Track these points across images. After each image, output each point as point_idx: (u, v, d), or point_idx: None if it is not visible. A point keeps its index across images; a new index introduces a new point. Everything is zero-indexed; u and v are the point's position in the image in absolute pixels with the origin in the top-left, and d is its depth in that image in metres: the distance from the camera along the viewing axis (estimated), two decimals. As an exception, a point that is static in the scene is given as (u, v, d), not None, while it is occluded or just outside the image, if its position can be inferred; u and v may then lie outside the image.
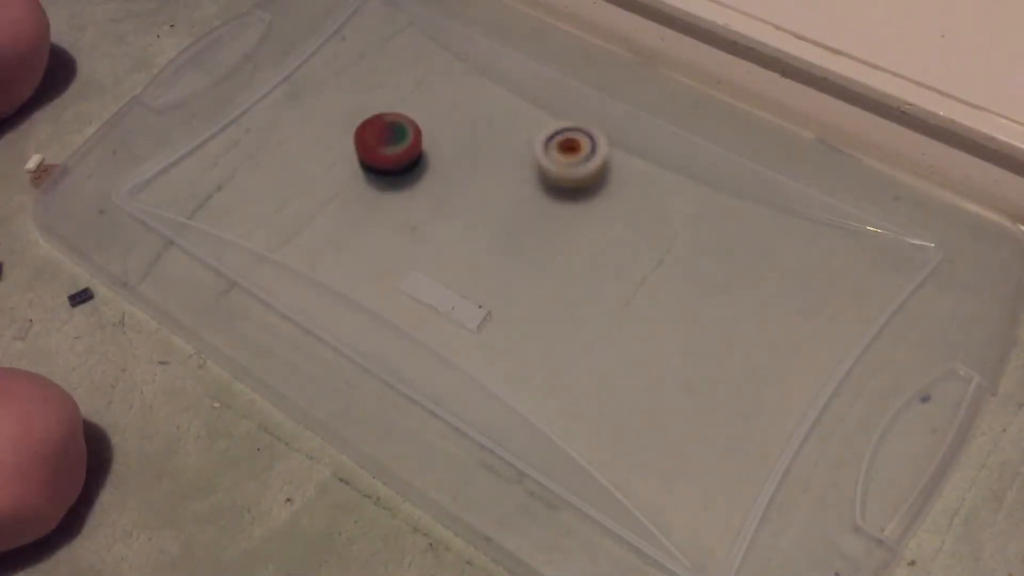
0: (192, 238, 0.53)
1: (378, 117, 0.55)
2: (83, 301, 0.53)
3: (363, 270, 0.52)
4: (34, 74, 0.60)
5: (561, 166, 0.53)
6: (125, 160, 0.57)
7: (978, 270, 0.51)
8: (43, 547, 0.45)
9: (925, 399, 0.46)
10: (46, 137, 0.60)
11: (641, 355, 0.49)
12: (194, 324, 0.51)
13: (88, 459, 0.46)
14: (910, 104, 0.53)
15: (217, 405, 0.49)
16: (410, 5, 0.64)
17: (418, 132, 0.55)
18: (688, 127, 0.56)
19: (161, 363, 0.51)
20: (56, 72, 0.63)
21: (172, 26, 0.66)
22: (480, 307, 0.50)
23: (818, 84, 0.55)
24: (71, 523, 0.46)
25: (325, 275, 0.52)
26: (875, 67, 0.54)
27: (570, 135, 0.54)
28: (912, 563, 0.43)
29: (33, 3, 0.59)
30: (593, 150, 0.54)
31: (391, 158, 0.54)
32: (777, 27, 0.56)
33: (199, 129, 0.58)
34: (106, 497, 0.47)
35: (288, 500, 0.46)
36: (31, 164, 0.58)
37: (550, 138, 0.54)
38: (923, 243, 0.51)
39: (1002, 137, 0.51)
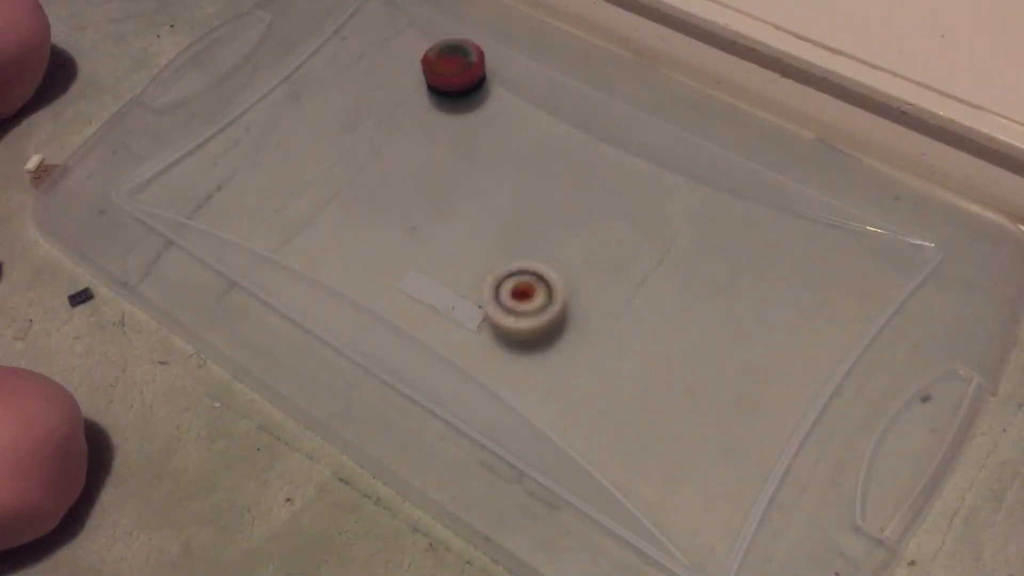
0: (192, 238, 0.53)
1: (441, 43, 0.58)
2: (83, 301, 0.53)
3: (363, 270, 0.52)
4: (34, 75, 0.60)
5: (512, 317, 0.47)
6: (125, 160, 0.57)
7: (978, 270, 0.51)
8: (43, 547, 0.45)
9: (925, 399, 0.46)
10: (46, 137, 0.60)
11: (641, 355, 0.49)
12: (194, 324, 0.51)
13: (88, 459, 0.46)
14: (910, 104, 0.53)
15: (217, 405, 0.49)
16: (410, 5, 0.64)
17: (481, 55, 0.58)
18: (688, 127, 0.56)
19: (161, 363, 0.51)
20: (56, 72, 0.63)
21: (172, 26, 0.66)
22: (480, 307, 0.50)
23: (818, 84, 0.55)
24: (71, 523, 0.46)
25: (325, 275, 0.52)
26: (875, 67, 0.54)
27: (522, 280, 0.48)
28: (912, 563, 0.43)
29: (33, 3, 0.59)
30: (550, 296, 0.48)
31: (455, 80, 0.57)
32: (777, 27, 0.56)
33: (199, 129, 0.58)
34: (106, 497, 0.47)
35: (288, 500, 0.46)
36: (31, 164, 0.58)
37: (500, 283, 0.48)
38: (923, 243, 0.51)
39: (1002, 137, 0.51)
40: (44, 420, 0.43)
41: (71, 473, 0.45)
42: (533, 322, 0.47)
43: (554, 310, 0.48)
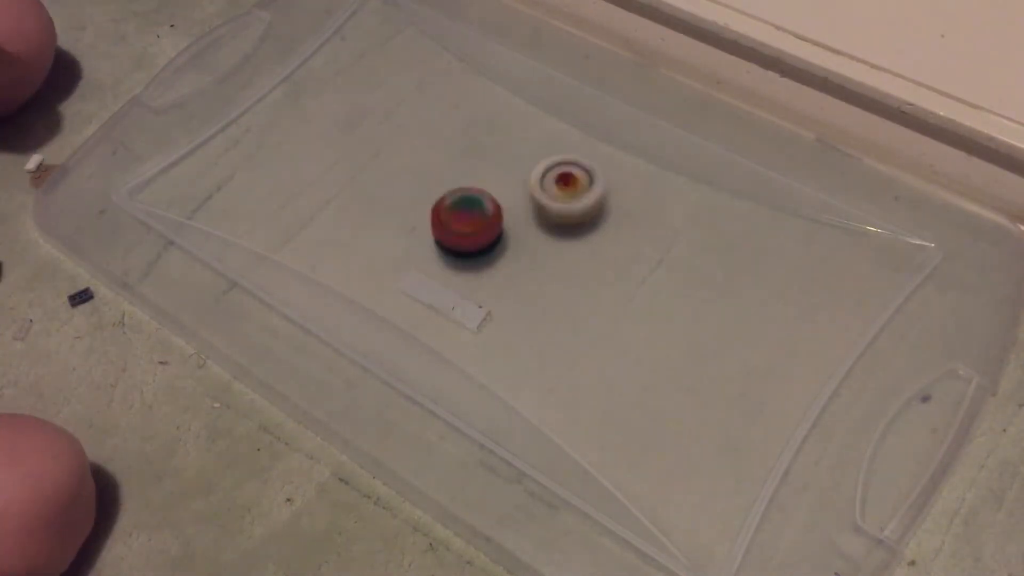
0: (192, 238, 0.53)
1: (455, 192, 0.52)
2: (83, 301, 0.53)
3: (363, 270, 0.52)
4: (38, 74, 0.60)
5: (559, 201, 0.51)
6: (125, 160, 0.57)
7: (978, 270, 0.51)
8: (43, 547, 0.45)
9: (925, 399, 0.46)
10: (46, 137, 0.60)
11: (641, 355, 0.49)
12: (194, 324, 0.51)
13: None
14: (910, 104, 0.53)
15: (217, 405, 0.49)
16: (410, 5, 0.64)
17: (497, 208, 0.51)
18: (688, 127, 0.56)
19: (161, 363, 0.51)
20: (57, 72, 0.63)
21: (172, 26, 0.66)
22: (480, 307, 0.50)
23: (818, 84, 0.55)
24: (71, 523, 0.46)
25: (325, 275, 0.52)
26: (875, 67, 0.54)
27: (566, 169, 0.52)
28: (912, 563, 0.43)
29: (38, 5, 0.59)
30: (591, 184, 0.52)
31: (469, 239, 0.51)
32: (777, 27, 0.56)
33: (199, 129, 0.58)
34: (106, 497, 0.47)
35: (288, 500, 0.46)
36: (31, 164, 0.58)
37: (545, 173, 0.52)
38: (923, 243, 0.51)
39: (1002, 137, 0.51)
40: (51, 479, 0.41)
41: (79, 522, 0.44)
42: (583, 203, 0.51)
43: (598, 191, 0.51)
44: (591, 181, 0.52)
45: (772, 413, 0.46)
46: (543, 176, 0.52)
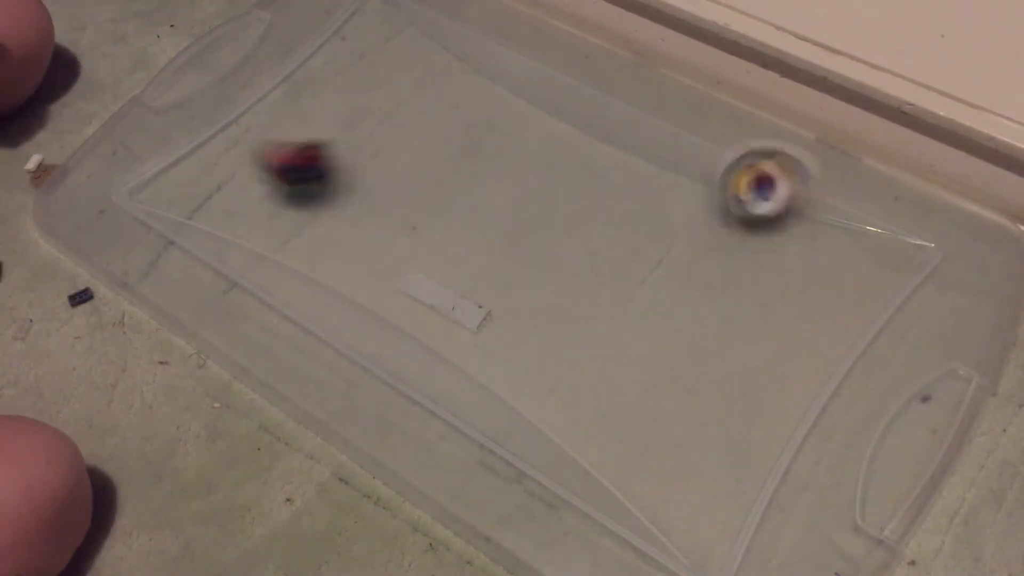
0: (192, 238, 0.53)
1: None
2: (83, 301, 0.53)
3: (363, 270, 0.52)
4: (37, 73, 0.60)
5: (749, 202, 0.50)
6: (125, 160, 0.57)
7: (978, 270, 0.51)
8: (43, 547, 0.45)
9: (925, 399, 0.46)
10: (46, 137, 0.60)
11: (641, 355, 0.49)
12: (194, 324, 0.51)
13: (87, 459, 0.46)
14: (910, 104, 0.53)
15: (217, 405, 0.49)
16: (410, 5, 0.64)
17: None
18: (688, 127, 0.56)
19: (161, 363, 0.51)
20: (56, 72, 0.63)
21: (172, 26, 0.66)
22: (480, 307, 0.50)
23: (818, 84, 0.55)
24: (71, 523, 0.46)
25: (325, 275, 0.52)
26: (875, 67, 0.54)
27: (763, 167, 0.50)
28: (912, 563, 0.43)
29: (37, 2, 0.59)
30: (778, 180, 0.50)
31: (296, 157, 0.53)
32: (777, 27, 0.56)
33: (199, 129, 0.58)
34: (106, 497, 0.47)
35: (288, 500, 0.46)
36: (31, 164, 0.58)
37: (737, 161, 0.50)
38: (923, 243, 0.51)
39: (1002, 137, 0.51)
40: (45, 482, 0.41)
41: (74, 525, 0.44)
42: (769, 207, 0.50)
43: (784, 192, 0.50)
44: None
45: (772, 413, 0.46)
46: (735, 164, 0.50)
